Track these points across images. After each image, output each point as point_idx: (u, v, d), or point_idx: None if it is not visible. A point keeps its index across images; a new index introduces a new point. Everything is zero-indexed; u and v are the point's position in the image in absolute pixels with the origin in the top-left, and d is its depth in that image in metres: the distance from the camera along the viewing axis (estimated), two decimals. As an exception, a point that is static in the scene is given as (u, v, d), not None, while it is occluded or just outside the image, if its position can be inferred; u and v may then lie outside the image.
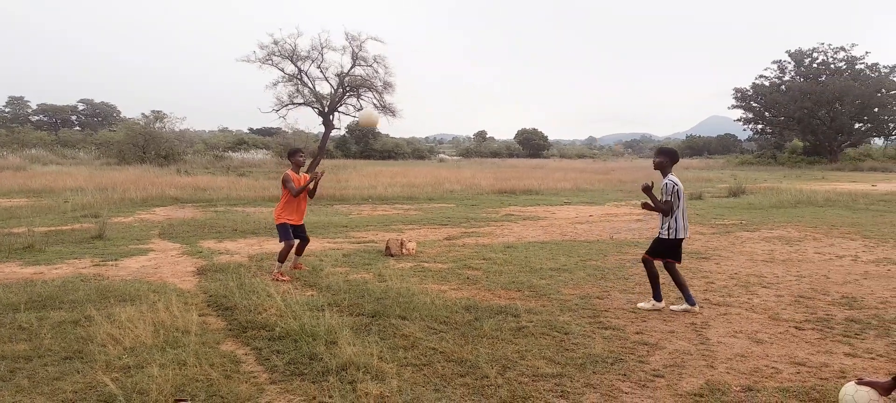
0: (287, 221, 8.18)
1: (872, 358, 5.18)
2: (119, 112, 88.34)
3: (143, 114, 44.44)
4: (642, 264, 6.88)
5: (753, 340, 5.63)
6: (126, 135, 40.06)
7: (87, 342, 5.24)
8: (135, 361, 4.81)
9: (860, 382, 4.01)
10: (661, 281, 6.81)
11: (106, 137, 45.40)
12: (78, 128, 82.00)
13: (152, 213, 15.94)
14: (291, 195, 8.14)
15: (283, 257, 8.08)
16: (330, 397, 4.21)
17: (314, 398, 4.23)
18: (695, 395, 4.36)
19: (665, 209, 6.49)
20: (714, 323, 6.20)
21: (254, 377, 4.62)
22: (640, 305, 6.70)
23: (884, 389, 3.96)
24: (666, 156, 6.68)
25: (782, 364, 5.03)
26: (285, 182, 8.18)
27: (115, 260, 9.36)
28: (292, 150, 8.49)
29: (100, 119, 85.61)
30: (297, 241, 8.30)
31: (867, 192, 23.64)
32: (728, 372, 4.81)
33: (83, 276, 8.06)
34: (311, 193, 8.43)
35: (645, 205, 6.72)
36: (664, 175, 6.64)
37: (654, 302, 6.64)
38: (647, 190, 6.62)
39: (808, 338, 5.69)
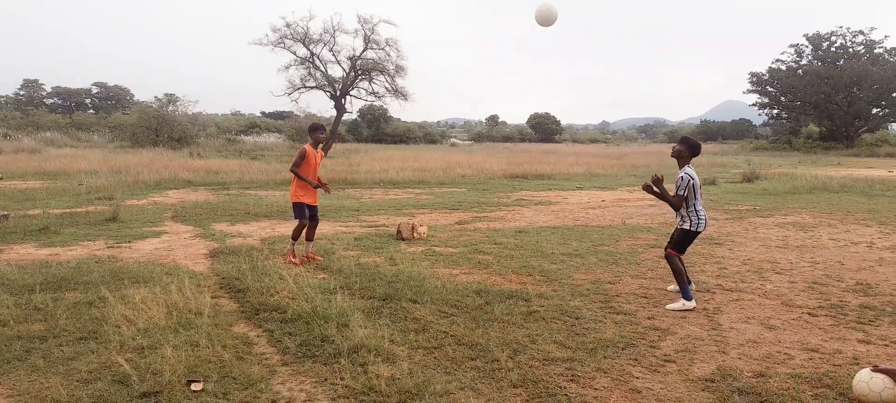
0: (302, 200, 8.07)
1: (886, 345, 5.14)
2: (132, 95, 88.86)
3: (156, 97, 44.68)
4: (666, 261, 6.50)
5: (766, 326, 5.60)
6: (139, 118, 40.29)
7: (102, 323, 5.30)
8: (148, 342, 4.86)
9: (875, 369, 3.98)
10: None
11: (119, 120, 45.71)
12: (92, 111, 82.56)
13: (165, 196, 16.05)
14: (291, 170, 8.01)
15: (296, 234, 8.05)
16: (341, 378, 4.24)
17: (326, 379, 4.26)
18: (706, 380, 4.34)
19: (676, 204, 6.23)
20: (726, 308, 6.17)
21: (266, 358, 4.66)
22: (668, 306, 6.13)
23: (898, 377, 3.93)
24: (685, 146, 6.31)
25: (795, 350, 5.00)
26: (300, 156, 7.97)
27: (129, 242, 9.44)
28: (314, 125, 8.25)
29: (113, 102, 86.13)
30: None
31: (884, 178, 23.35)
32: (740, 358, 4.79)
33: (97, 258, 8.13)
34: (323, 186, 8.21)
35: (647, 189, 6.42)
36: (680, 166, 6.30)
37: (683, 301, 6.12)
38: (657, 182, 6.27)
39: (822, 325, 5.65)
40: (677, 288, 6.39)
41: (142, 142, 37.33)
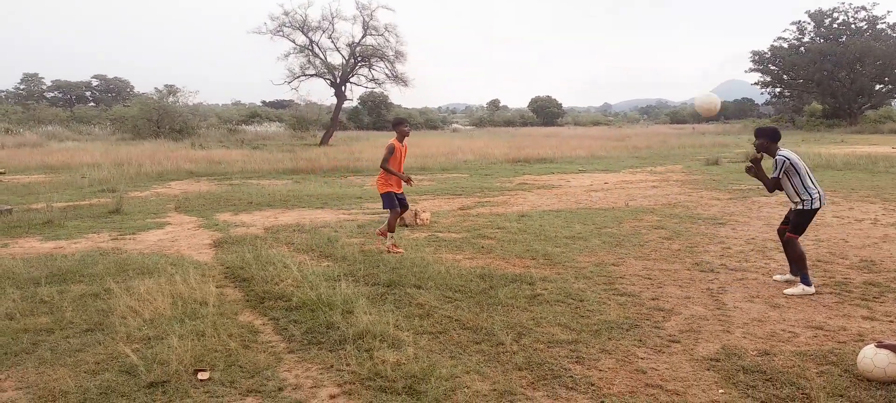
0: (391, 190, 8.08)
1: (891, 321, 5.14)
2: (132, 87, 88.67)
3: (156, 88, 44.64)
4: (784, 245, 6.35)
5: (770, 305, 5.60)
6: (140, 110, 40.25)
7: (108, 314, 5.32)
8: (154, 332, 4.88)
9: (880, 345, 3.99)
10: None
11: (120, 113, 45.65)
12: (92, 103, 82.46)
13: (168, 187, 16.07)
14: (381, 164, 8.08)
15: (392, 225, 8.05)
16: (347, 365, 4.26)
17: (332, 366, 4.28)
18: (711, 360, 4.35)
19: (771, 186, 6.08)
20: (730, 288, 6.17)
21: (272, 346, 4.68)
22: (787, 291, 5.97)
23: (903, 352, 3.94)
24: (766, 137, 6.22)
25: (799, 328, 5.00)
26: (388, 151, 8.02)
27: (133, 233, 9.46)
28: (397, 120, 8.32)
29: (114, 94, 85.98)
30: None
31: (887, 155, 23.26)
32: (744, 337, 4.80)
33: (102, 250, 8.16)
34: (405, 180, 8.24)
35: (748, 170, 6.36)
36: (772, 154, 6.15)
37: (803, 286, 5.96)
38: (757, 162, 6.26)
39: (826, 302, 5.65)
40: (786, 277, 6.32)
41: (143, 133, 37.33)
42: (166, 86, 44.23)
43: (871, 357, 3.96)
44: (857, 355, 4.12)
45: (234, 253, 7.78)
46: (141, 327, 5.00)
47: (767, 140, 6.20)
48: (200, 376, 4.09)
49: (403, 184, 8.26)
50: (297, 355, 4.51)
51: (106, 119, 51.53)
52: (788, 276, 6.29)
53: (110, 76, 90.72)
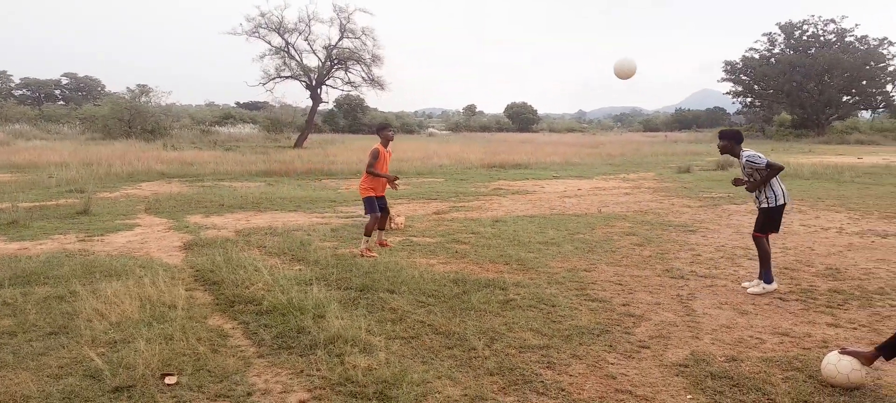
0: (372, 194, 8.11)
1: (854, 328, 5.24)
2: (103, 86, 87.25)
3: (128, 88, 43.85)
4: (754, 243, 6.52)
5: (738, 311, 5.69)
6: (111, 109, 39.55)
7: (73, 317, 5.22)
8: (121, 336, 4.79)
9: (844, 351, 4.07)
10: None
11: (90, 112, 44.79)
12: (62, 102, 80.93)
13: (138, 188, 15.83)
14: (366, 171, 8.10)
15: (369, 230, 8.01)
16: (318, 370, 4.22)
17: (302, 371, 4.24)
18: (680, 365, 4.40)
19: (764, 180, 6.20)
20: (700, 294, 6.25)
21: (241, 351, 4.62)
22: (746, 285, 6.40)
23: (866, 359, 4.03)
24: (729, 139, 6.46)
25: (766, 334, 5.08)
26: (372, 156, 8.06)
27: (101, 235, 9.30)
28: (381, 125, 8.41)
29: (84, 93, 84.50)
30: (379, 215, 8.22)
31: (853, 165, 23.81)
32: (713, 343, 4.86)
33: (68, 252, 8.00)
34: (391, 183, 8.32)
35: (737, 182, 6.53)
36: (736, 155, 6.41)
37: (763, 285, 6.25)
38: (751, 185, 6.34)
39: (792, 309, 5.75)
40: (754, 282, 6.42)
41: (114, 133, 36.69)
42: (138, 85, 43.53)
43: (835, 364, 4.04)
44: (821, 361, 4.20)
45: (204, 255, 7.68)
46: (107, 330, 4.91)
47: (731, 142, 6.44)
48: (167, 380, 4.03)
49: (386, 187, 8.33)
50: (266, 360, 4.46)
51: (75, 118, 50.57)
52: (756, 281, 6.42)
53: (81, 74, 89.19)
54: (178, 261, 7.56)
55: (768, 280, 6.26)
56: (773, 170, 6.17)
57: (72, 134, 42.54)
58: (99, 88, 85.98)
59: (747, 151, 6.30)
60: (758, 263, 6.46)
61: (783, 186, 6.33)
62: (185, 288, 6.19)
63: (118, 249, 8.27)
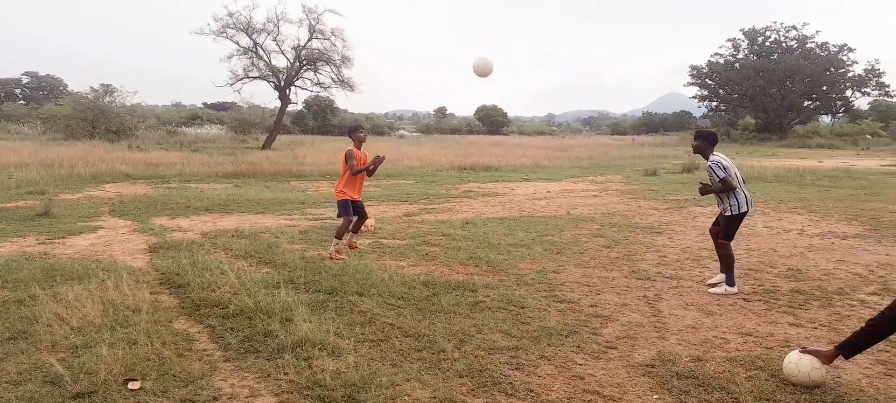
0: (348, 197, 8.05)
1: (815, 328, 5.37)
2: (66, 85, 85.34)
3: (91, 87, 42.90)
4: (716, 247, 6.69)
5: (704, 312, 5.78)
6: (73, 109, 38.65)
7: (32, 322, 5.08)
8: (82, 341, 4.68)
9: (804, 350, 4.17)
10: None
11: (52, 112, 43.73)
12: (22, 101, 78.94)
13: (102, 190, 15.50)
14: (351, 173, 8.00)
15: (340, 233, 7.93)
16: (285, 373, 4.18)
17: (269, 375, 4.19)
18: (646, 366, 4.46)
19: (725, 187, 6.25)
20: (666, 295, 6.34)
21: (207, 355, 4.55)
22: (709, 284, 6.64)
23: (826, 358, 4.13)
24: (703, 139, 6.53)
25: (730, 334, 5.17)
26: (347, 158, 8.01)
27: (63, 237, 9.08)
28: (352, 127, 8.31)
29: (45, 92, 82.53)
30: (355, 218, 8.16)
31: (814, 168, 24.40)
32: (679, 343, 4.93)
33: (28, 255, 7.80)
34: (371, 173, 8.25)
35: (704, 190, 6.58)
36: (705, 157, 6.48)
37: (726, 286, 6.40)
38: (703, 189, 6.55)
39: (756, 309, 5.86)
40: (716, 278, 6.66)
41: (76, 134, 35.86)
42: (102, 85, 42.63)
43: (796, 363, 4.13)
44: (783, 360, 4.29)
45: (169, 258, 7.55)
46: (68, 335, 4.79)
47: (705, 143, 6.49)
48: (131, 386, 3.95)
49: (361, 191, 8.32)
50: (233, 364, 4.40)
51: (36, 118, 49.34)
52: (719, 277, 6.64)
53: (42, 73, 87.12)
54: (143, 264, 7.42)
55: (731, 283, 6.39)
56: (723, 185, 6.25)
57: (32, 134, 41.52)
58: (61, 87, 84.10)
59: (714, 157, 6.38)
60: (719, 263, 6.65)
61: (747, 193, 6.42)
62: (150, 291, 6.08)
63: (80, 252, 8.09)
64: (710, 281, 6.73)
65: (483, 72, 8.04)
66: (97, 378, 3.99)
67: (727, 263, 6.41)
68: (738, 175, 6.45)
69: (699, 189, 6.64)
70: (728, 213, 6.36)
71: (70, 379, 3.97)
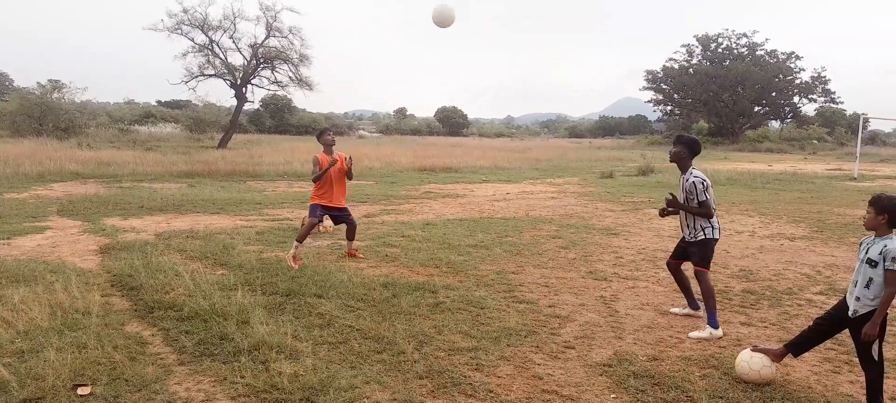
0: (318, 202, 7.71)
1: (766, 327, 5.52)
2: (11, 81, 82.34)
3: (38, 83, 41.45)
4: (679, 279, 5.75)
5: (659, 312, 5.89)
6: (19, 105, 37.30)
7: (-25, 326, 4.89)
8: (29, 345, 4.52)
9: (755, 349, 4.29)
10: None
11: (-3, 108, 42.26)
12: (-36, 97, 75.93)
13: (50, 189, 15.00)
14: (313, 180, 7.68)
15: (301, 237, 7.59)
16: (242, 377, 4.10)
17: (225, 378, 4.11)
18: (604, 365, 4.52)
19: (706, 213, 5.24)
20: (622, 295, 6.44)
21: (161, 358, 4.45)
22: (692, 335, 5.20)
23: (776, 356, 4.25)
24: (685, 146, 5.38)
25: (685, 333, 5.28)
26: (314, 164, 7.69)
27: (8, 238, 8.76)
28: (320, 131, 7.90)
29: (-10, 88, 79.55)
30: (326, 221, 7.85)
31: (764, 172, 25.13)
32: (635, 343, 5.01)
33: (-29, 256, 7.50)
34: (349, 175, 7.86)
35: (666, 211, 5.51)
36: (683, 169, 5.38)
37: (711, 330, 5.22)
38: (673, 202, 5.37)
39: (709, 309, 5.98)
40: (686, 309, 5.78)
41: (23, 131, 34.62)
42: (50, 81, 41.26)
43: (748, 361, 4.25)
44: (735, 359, 4.40)
45: (121, 259, 7.34)
46: (14, 339, 4.62)
47: (686, 150, 5.39)
48: (80, 391, 3.83)
49: (343, 197, 7.91)
50: (188, 367, 4.31)
51: (-21, 114, 47.51)
52: (687, 310, 5.78)
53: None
54: (94, 266, 7.21)
55: (715, 324, 5.24)
56: (701, 209, 5.25)
57: (-25, 130, 39.94)
58: (6, 83, 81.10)
59: (696, 173, 5.31)
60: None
61: (718, 221, 5.45)
62: (101, 293, 5.91)
63: (26, 253, 7.81)
64: (676, 310, 5.88)
65: (442, 20, 7.62)
66: (45, 383, 3.86)
67: (710, 298, 5.26)
68: (712, 198, 5.33)
69: (667, 202, 5.41)
70: (701, 238, 5.30)
71: (17, 385, 3.82)
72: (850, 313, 3.87)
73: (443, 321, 5.36)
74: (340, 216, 7.97)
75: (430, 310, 5.66)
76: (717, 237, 5.37)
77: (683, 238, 5.52)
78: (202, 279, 6.27)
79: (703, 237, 5.32)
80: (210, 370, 4.25)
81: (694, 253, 5.41)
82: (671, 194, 5.48)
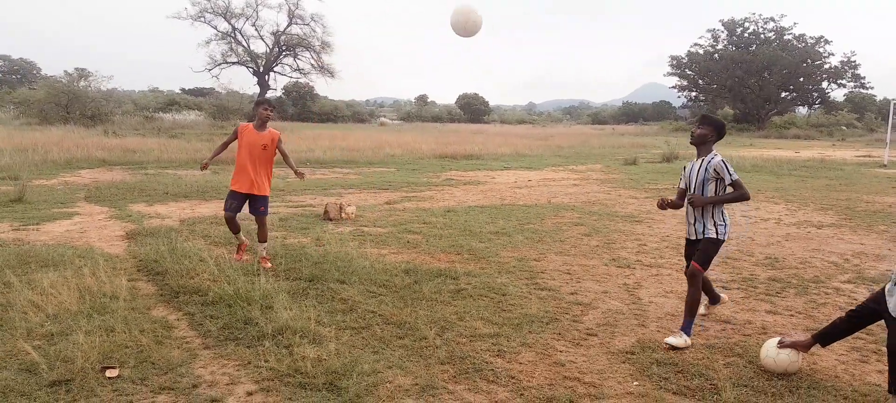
0: (231, 188, 6.70)
1: (791, 315, 5.45)
2: (39, 69, 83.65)
3: (65, 71, 42.11)
4: (688, 279, 4.90)
5: (683, 300, 5.82)
6: (47, 93, 37.92)
7: (7, 309, 4.99)
8: (58, 328, 4.61)
9: (782, 345, 4.19)
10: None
11: (25, 96, 42.84)
12: (-6, 85, 77.32)
13: (78, 176, 15.25)
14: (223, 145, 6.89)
15: (232, 229, 6.85)
16: (266, 361, 4.15)
17: (249, 362, 4.16)
18: (626, 353, 4.49)
19: (742, 193, 4.81)
20: (646, 283, 6.39)
21: (186, 342, 4.51)
22: (667, 341, 4.67)
23: (803, 347, 4.19)
24: (713, 128, 4.94)
25: (709, 321, 5.23)
26: (233, 135, 6.77)
27: (37, 224, 8.93)
28: (257, 101, 6.87)
29: (19, 76, 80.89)
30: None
31: (791, 159, 24.72)
32: (658, 331, 4.98)
33: (1, 241, 7.65)
34: (293, 166, 7.06)
35: (667, 202, 5.13)
36: (705, 152, 4.92)
37: (685, 337, 4.68)
38: (697, 199, 4.83)
39: (734, 297, 5.93)
40: (707, 307, 5.41)
41: (51, 119, 35.18)
42: (77, 69, 41.87)
43: (774, 358, 4.18)
44: (760, 348, 4.34)
45: (147, 245, 7.45)
46: (43, 322, 4.72)
47: (712, 131, 4.95)
48: (108, 373, 3.90)
49: (253, 183, 6.72)
50: (212, 351, 4.36)
51: (9, 102, 48.30)
52: (706, 304, 5.38)
53: (15, 57, 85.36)
54: (120, 251, 7.32)
55: (689, 331, 4.73)
56: (738, 192, 4.80)
57: (6, 118, 40.66)
58: (35, 71, 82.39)
59: (719, 156, 4.89)
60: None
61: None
62: (128, 278, 6.01)
63: (55, 238, 7.96)
64: (701, 309, 5.29)
65: (465, 29, 6.42)
66: (74, 365, 3.93)
67: (694, 304, 4.77)
68: None
69: (689, 201, 4.95)
70: (712, 235, 4.80)
71: (46, 367, 3.91)
72: (891, 308, 3.71)
73: (464, 307, 5.36)
74: (252, 206, 6.74)
75: (451, 297, 5.66)
76: (725, 239, 4.87)
77: (688, 240, 5.07)
78: (226, 264, 6.34)
79: (714, 235, 4.80)
80: (234, 354, 4.30)
81: (702, 249, 4.84)
82: (668, 199, 5.13)
